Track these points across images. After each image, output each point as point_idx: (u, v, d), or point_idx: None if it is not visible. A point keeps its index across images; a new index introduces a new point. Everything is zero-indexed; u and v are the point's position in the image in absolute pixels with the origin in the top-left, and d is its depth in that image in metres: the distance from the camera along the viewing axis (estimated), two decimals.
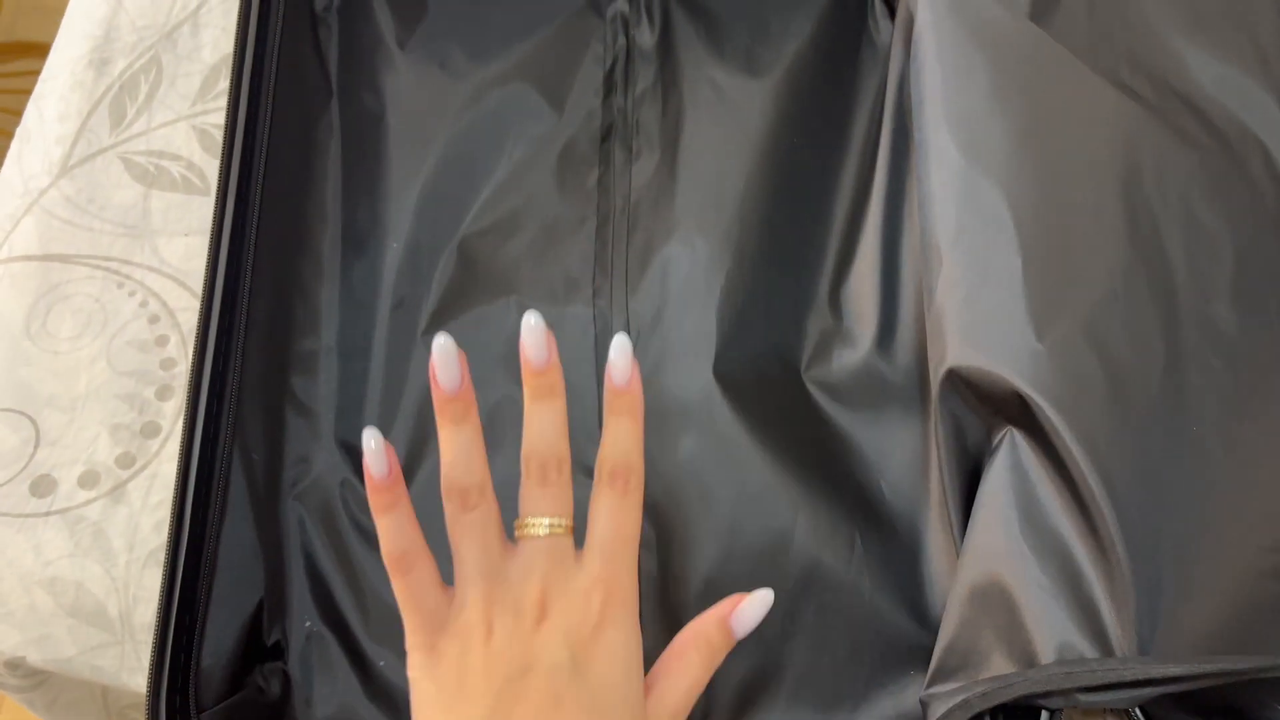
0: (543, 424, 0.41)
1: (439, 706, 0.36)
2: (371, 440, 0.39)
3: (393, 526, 0.39)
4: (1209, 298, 0.50)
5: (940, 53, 0.49)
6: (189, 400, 0.48)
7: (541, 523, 0.38)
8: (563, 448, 0.41)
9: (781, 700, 0.51)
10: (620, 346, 0.40)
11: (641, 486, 0.40)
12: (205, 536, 0.47)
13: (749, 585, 0.52)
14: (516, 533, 0.39)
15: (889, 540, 0.52)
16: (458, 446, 0.39)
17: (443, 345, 0.40)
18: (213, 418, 0.49)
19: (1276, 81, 0.57)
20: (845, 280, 0.57)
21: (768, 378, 0.56)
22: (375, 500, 0.39)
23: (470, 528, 0.39)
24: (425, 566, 0.39)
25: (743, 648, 0.51)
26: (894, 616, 0.51)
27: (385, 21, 0.61)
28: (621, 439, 0.41)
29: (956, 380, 0.45)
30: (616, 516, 0.39)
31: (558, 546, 0.38)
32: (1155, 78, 0.56)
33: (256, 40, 0.54)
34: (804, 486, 0.52)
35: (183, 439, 0.47)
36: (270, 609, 0.51)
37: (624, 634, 0.38)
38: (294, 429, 0.55)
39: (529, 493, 0.39)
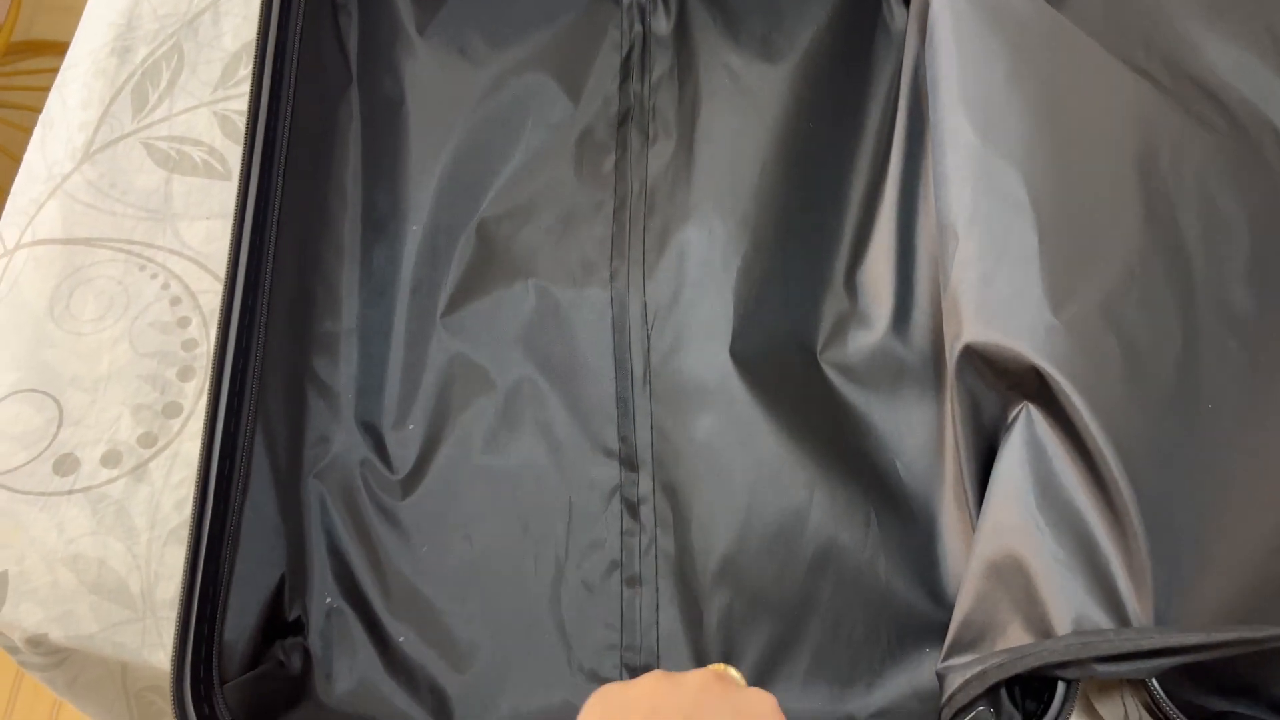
0: None
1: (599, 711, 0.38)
2: None
3: None
4: (1225, 280, 0.50)
5: (957, 36, 0.50)
6: (212, 380, 0.48)
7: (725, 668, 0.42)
8: None
9: (800, 676, 0.51)
10: None
11: None
12: (228, 514, 0.48)
13: (765, 563, 0.52)
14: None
15: (905, 519, 0.53)
16: None
17: None
18: (235, 397, 0.49)
19: None
20: (861, 263, 0.58)
21: (784, 359, 0.56)
22: None
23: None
24: None
25: (761, 622, 0.52)
26: (909, 594, 0.51)
27: (405, 8, 0.62)
28: None
29: (973, 356, 0.46)
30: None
31: (731, 672, 0.41)
32: (1171, 62, 0.56)
33: (279, 28, 0.55)
34: (820, 466, 0.53)
35: (206, 418, 0.48)
36: (291, 585, 0.52)
37: None
38: (315, 409, 0.56)
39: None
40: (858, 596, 0.51)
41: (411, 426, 0.56)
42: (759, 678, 0.51)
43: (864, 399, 0.55)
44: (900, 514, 0.53)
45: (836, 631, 0.51)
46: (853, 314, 0.57)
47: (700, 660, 0.52)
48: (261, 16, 0.54)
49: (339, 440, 0.55)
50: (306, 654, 0.52)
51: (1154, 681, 0.42)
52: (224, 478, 0.48)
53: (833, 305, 0.57)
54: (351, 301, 0.57)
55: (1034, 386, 0.44)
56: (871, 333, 0.56)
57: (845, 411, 0.55)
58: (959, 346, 0.46)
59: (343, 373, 0.56)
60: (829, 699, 0.51)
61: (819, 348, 0.57)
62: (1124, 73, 0.51)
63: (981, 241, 0.46)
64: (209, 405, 0.48)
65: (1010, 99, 0.48)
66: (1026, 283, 0.45)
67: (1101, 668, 0.40)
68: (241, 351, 0.50)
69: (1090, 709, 0.46)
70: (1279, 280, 0.52)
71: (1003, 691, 0.43)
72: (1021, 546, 0.43)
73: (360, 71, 0.61)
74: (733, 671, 0.41)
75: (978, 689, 0.42)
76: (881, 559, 0.52)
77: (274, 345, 0.53)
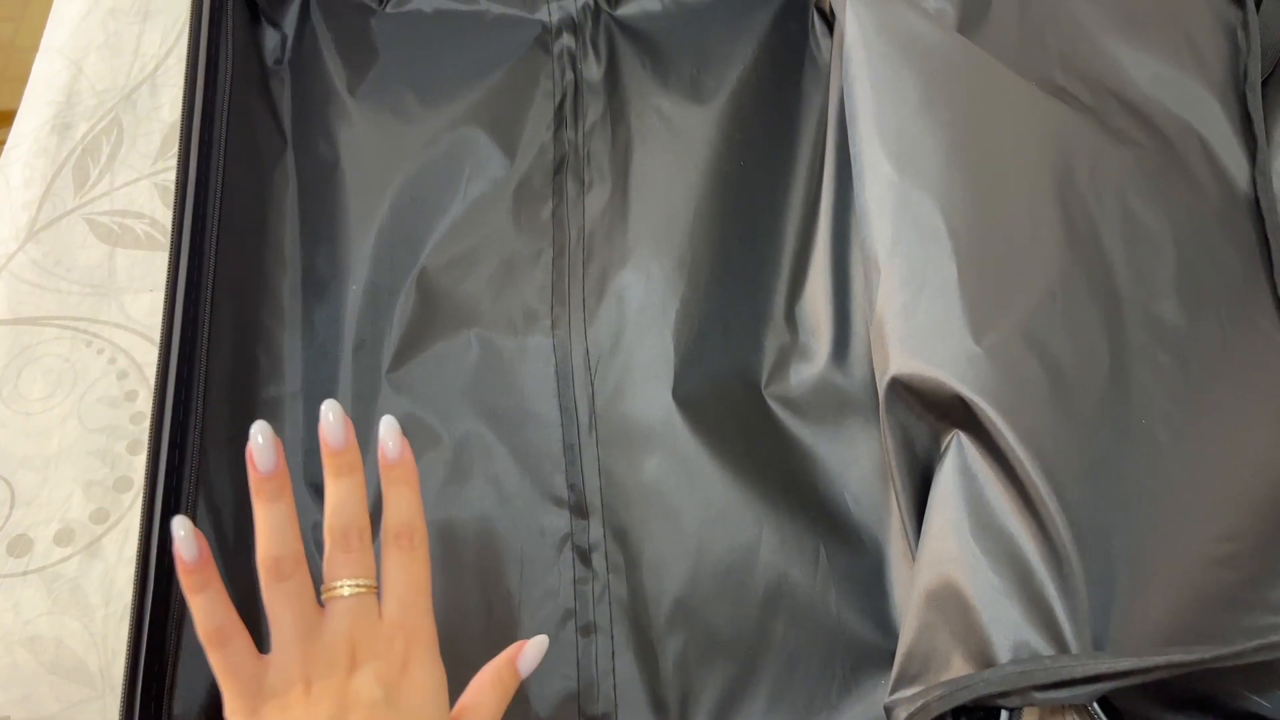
0: (344, 497, 0.44)
1: None
2: (180, 529, 0.42)
3: (205, 605, 0.42)
4: (1153, 294, 0.50)
5: (870, 67, 0.50)
6: (149, 454, 0.49)
7: (346, 584, 0.42)
8: (363, 518, 0.44)
9: (758, 714, 0.51)
10: (388, 425, 0.46)
11: (425, 542, 0.45)
12: (172, 590, 0.48)
13: (718, 603, 0.52)
14: (324, 596, 0.43)
15: (854, 551, 0.53)
16: (273, 522, 0.43)
17: (257, 432, 0.44)
18: (174, 472, 0.49)
19: (1214, 78, 0.58)
20: (800, 296, 0.58)
21: (729, 396, 0.56)
22: (187, 581, 0.42)
23: (285, 595, 0.42)
24: (240, 638, 0.42)
25: (717, 662, 0.52)
26: (861, 627, 0.51)
27: (336, 70, 0.62)
28: (402, 505, 0.45)
29: (899, 388, 0.46)
30: (408, 570, 0.43)
31: (362, 604, 0.42)
32: (1090, 79, 0.57)
33: (205, 98, 0.55)
34: (767, 502, 0.53)
35: (145, 494, 0.48)
36: None
37: (427, 669, 0.42)
38: None
39: (333, 559, 0.43)
40: (811, 631, 0.51)
41: None
42: (720, 714, 0.51)
43: (809, 432, 0.56)
44: (849, 546, 0.53)
45: (792, 667, 0.51)
46: (794, 347, 0.57)
47: (658, 706, 0.52)
48: (186, 89, 0.55)
49: None
50: None
51: (1094, 704, 0.42)
52: (166, 554, 0.48)
53: (774, 340, 0.58)
54: (295, 364, 0.58)
55: (962, 415, 0.45)
56: (813, 365, 0.56)
57: (791, 445, 0.56)
58: (886, 379, 0.46)
59: (288, 437, 0.56)
60: None
61: (764, 383, 0.57)
62: (1038, 94, 0.51)
63: (902, 273, 0.47)
64: (146, 485, 0.48)
65: (923, 128, 0.48)
66: (947, 312, 0.45)
67: (1040, 695, 0.40)
68: (179, 424, 0.50)
69: None
70: (1208, 291, 0.52)
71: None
72: (958, 575, 0.43)
73: (295, 136, 0.62)
74: (359, 589, 0.42)
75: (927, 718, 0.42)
76: (832, 592, 0.52)
77: (215, 415, 0.53)
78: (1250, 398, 0.51)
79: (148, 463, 0.49)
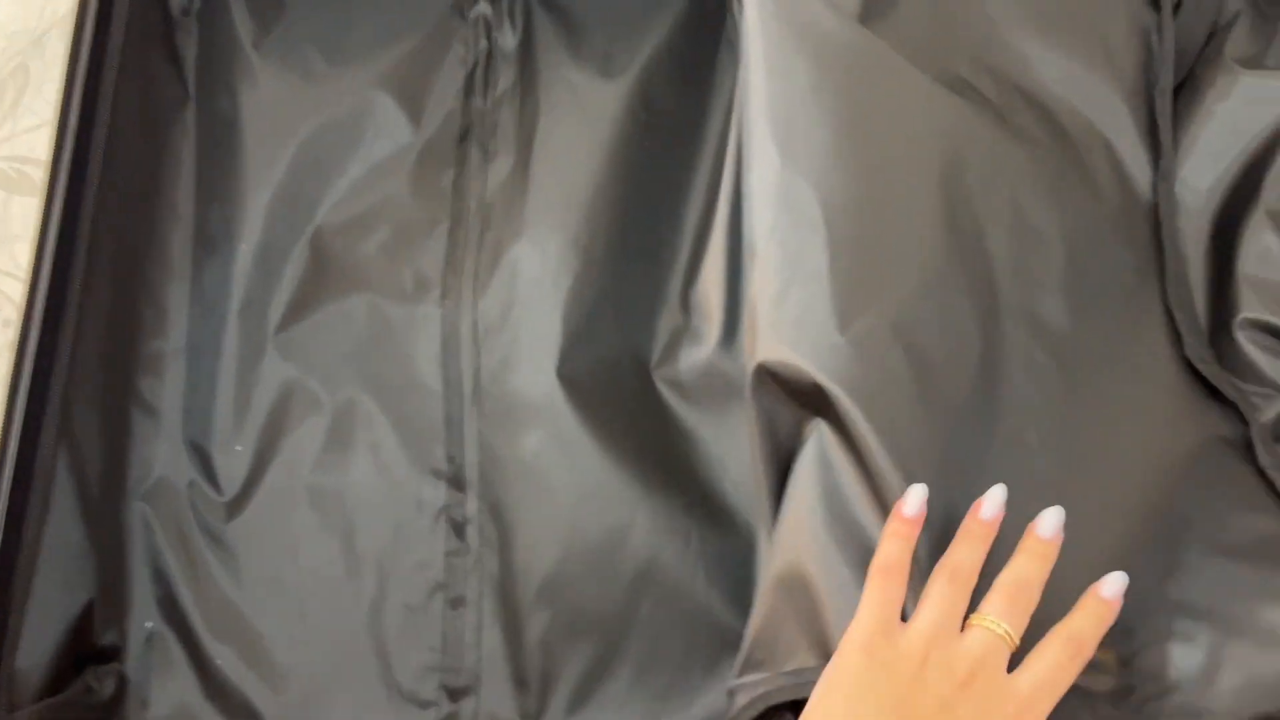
0: (1022, 568, 0.42)
1: (851, 688, 0.38)
2: (920, 493, 0.42)
3: (895, 548, 0.41)
4: (1037, 294, 0.50)
5: (765, 53, 0.50)
6: (7, 403, 0.48)
7: (1001, 625, 0.40)
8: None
9: (620, 693, 0.51)
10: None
11: (1085, 655, 0.41)
12: (21, 540, 0.47)
13: (586, 582, 0.52)
14: (973, 619, 0.41)
15: (727, 536, 0.53)
16: (972, 543, 0.42)
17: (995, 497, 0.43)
18: (34, 420, 0.49)
19: (1124, 80, 0.57)
20: (697, 279, 0.58)
21: (617, 376, 0.56)
22: (896, 527, 0.42)
23: (947, 596, 0.41)
24: (901, 583, 0.41)
25: (582, 641, 0.52)
26: (727, 611, 0.51)
27: (243, 24, 0.61)
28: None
29: (765, 375, 0.45)
30: (1059, 663, 0.40)
31: (1000, 648, 0.40)
32: (997, 75, 0.56)
33: (94, 43, 0.54)
34: (644, 484, 0.53)
35: None
36: (105, 610, 0.51)
37: None
38: (140, 430, 0.55)
39: (996, 601, 0.41)
40: (677, 614, 0.51)
41: (239, 448, 0.55)
42: (581, 691, 0.51)
43: (694, 415, 0.55)
44: (722, 530, 0.53)
45: (655, 648, 0.51)
46: (686, 330, 0.57)
47: (520, 682, 0.51)
48: (74, 32, 0.53)
49: (166, 462, 0.55)
50: (122, 679, 0.51)
51: None
52: (17, 506, 0.47)
53: (668, 322, 0.57)
54: (180, 321, 0.57)
55: (823, 404, 0.44)
56: (702, 349, 0.56)
57: (675, 428, 0.55)
58: (753, 365, 0.46)
59: (169, 393, 0.56)
60: (647, 715, 0.51)
61: (653, 364, 0.56)
62: (935, 88, 0.51)
63: (776, 260, 0.46)
64: (0, 431, 0.48)
65: (811, 116, 0.48)
66: (816, 300, 0.45)
67: None
68: (41, 374, 0.49)
69: None
70: (1096, 294, 0.52)
71: (788, 715, 0.43)
72: (808, 564, 0.43)
73: (198, 89, 0.61)
74: (1000, 634, 0.40)
75: (755, 710, 0.42)
76: (701, 576, 0.52)
77: (89, 366, 0.52)
78: (1132, 405, 0.51)
79: (5, 412, 0.48)
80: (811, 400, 0.45)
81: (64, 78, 0.52)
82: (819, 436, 0.44)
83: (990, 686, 0.39)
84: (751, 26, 0.51)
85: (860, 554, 0.42)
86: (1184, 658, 0.44)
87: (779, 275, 0.46)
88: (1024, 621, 0.41)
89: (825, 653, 0.42)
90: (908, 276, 0.46)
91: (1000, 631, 0.40)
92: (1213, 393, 0.52)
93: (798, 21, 0.50)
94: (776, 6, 0.50)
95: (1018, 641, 0.40)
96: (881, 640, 0.40)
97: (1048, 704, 0.39)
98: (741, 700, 0.43)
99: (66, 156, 0.51)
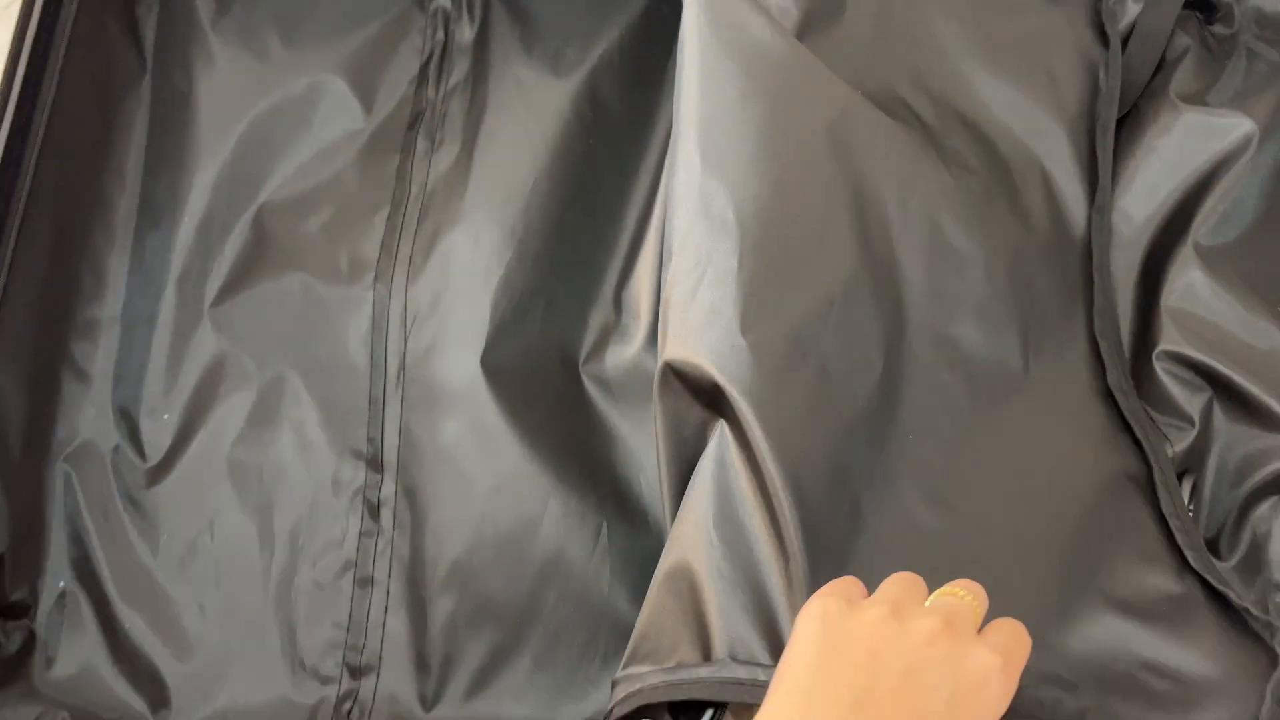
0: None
1: (819, 642, 0.36)
2: None
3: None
4: (950, 315, 0.51)
5: (699, 58, 0.50)
6: None
7: (964, 593, 0.39)
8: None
9: (518, 682, 0.52)
10: None
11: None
12: None
13: (494, 570, 0.53)
14: (940, 591, 0.40)
15: (637, 533, 0.53)
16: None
17: None
18: None
19: (1067, 112, 0.58)
20: (630, 278, 0.59)
21: (543, 369, 0.57)
22: None
23: (900, 580, 0.40)
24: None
25: (485, 628, 0.52)
26: (629, 607, 0.52)
27: (203, 2, 0.62)
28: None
29: (670, 374, 0.46)
30: (1018, 632, 0.39)
31: (968, 612, 0.38)
32: (937, 97, 0.57)
33: (45, 12, 0.55)
34: (558, 477, 0.54)
35: None
36: (16, 567, 0.52)
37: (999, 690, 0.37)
38: (69, 393, 0.56)
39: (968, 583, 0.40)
40: (581, 607, 0.52)
41: (166, 416, 0.56)
42: (479, 679, 0.52)
43: (616, 412, 0.56)
44: (633, 527, 0.54)
45: (557, 640, 0.52)
46: (615, 328, 0.57)
47: (421, 665, 0.52)
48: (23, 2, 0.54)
49: (92, 426, 0.56)
50: (31, 636, 0.52)
51: None
52: None
53: (599, 318, 0.58)
54: (119, 288, 0.58)
55: (725, 406, 0.45)
56: (629, 347, 0.56)
57: (596, 424, 0.56)
58: (660, 364, 0.46)
59: (102, 359, 0.57)
60: (543, 706, 0.51)
61: (582, 359, 0.57)
62: (864, 105, 0.51)
63: (688, 261, 0.47)
64: None
65: (735, 122, 0.48)
66: (722, 303, 0.45)
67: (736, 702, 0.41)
68: None
69: None
70: (1015, 320, 0.52)
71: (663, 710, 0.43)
72: (695, 560, 0.44)
73: (155, 63, 0.62)
74: (967, 602, 0.38)
75: (631, 706, 0.42)
76: (607, 571, 0.52)
77: (19, 328, 0.53)
78: (1045, 432, 0.51)
79: None
80: (716, 401, 0.45)
81: (13, 36, 0.53)
82: (721, 437, 0.45)
83: (958, 648, 0.37)
84: (688, 31, 0.52)
85: (743, 554, 0.43)
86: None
87: (690, 276, 0.47)
88: (985, 603, 0.39)
89: (706, 649, 0.43)
90: (814, 287, 0.47)
91: (964, 594, 0.38)
92: (1128, 426, 0.52)
93: (732, 29, 0.51)
94: (714, 14, 0.51)
95: (983, 613, 0.39)
96: (841, 600, 0.38)
97: (1020, 664, 0.38)
98: (620, 694, 0.43)
99: (7, 118, 0.52)
